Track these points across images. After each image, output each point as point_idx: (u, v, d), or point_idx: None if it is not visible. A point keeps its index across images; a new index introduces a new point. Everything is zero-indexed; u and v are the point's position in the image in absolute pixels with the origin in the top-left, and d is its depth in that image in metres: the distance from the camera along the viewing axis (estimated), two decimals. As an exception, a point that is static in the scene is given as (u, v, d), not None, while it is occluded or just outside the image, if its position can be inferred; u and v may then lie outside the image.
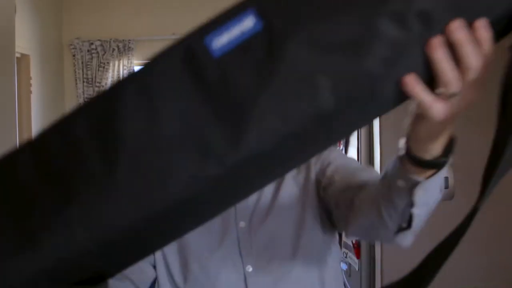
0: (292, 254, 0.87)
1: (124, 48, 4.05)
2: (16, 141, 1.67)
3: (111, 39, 4.04)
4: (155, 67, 0.49)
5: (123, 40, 4.05)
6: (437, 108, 0.45)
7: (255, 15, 0.46)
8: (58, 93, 4.11)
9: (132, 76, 0.50)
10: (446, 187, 1.82)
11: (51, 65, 3.99)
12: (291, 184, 0.92)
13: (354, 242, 2.12)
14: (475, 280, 1.98)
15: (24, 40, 3.53)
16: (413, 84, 0.43)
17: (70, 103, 4.16)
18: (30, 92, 3.59)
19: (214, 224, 0.87)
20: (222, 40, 0.47)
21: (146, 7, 4.12)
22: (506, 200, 1.86)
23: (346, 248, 2.20)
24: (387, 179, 0.65)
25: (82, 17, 4.14)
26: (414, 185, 0.60)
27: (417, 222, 0.66)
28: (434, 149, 0.55)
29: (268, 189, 0.91)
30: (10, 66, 1.65)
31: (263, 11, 0.46)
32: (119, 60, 4.06)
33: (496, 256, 1.94)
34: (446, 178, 1.77)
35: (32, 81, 3.61)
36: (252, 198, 0.90)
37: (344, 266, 2.18)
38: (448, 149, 0.56)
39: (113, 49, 4.04)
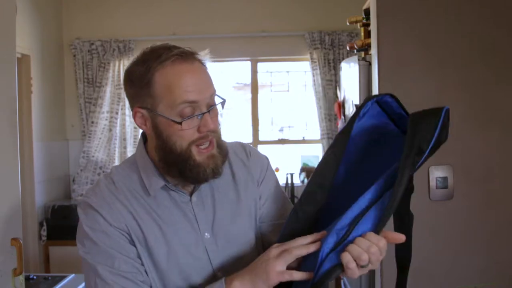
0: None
1: (124, 48, 4.05)
2: (17, 141, 1.67)
3: (111, 39, 4.04)
4: None
5: (123, 40, 4.05)
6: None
7: None
8: (58, 93, 4.12)
9: None
10: (446, 187, 1.82)
11: (51, 65, 3.99)
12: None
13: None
14: (475, 280, 1.98)
15: (25, 40, 3.53)
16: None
17: (71, 103, 4.16)
18: (31, 92, 3.59)
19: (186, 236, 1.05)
20: None
21: (146, 7, 4.13)
22: (506, 199, 1.87)
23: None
24: None
25: (82, 17, 4.14)
26: None
27: None
28: None
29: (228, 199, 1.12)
30: (11, 66, 1.65)
31: None
32: (119, 60, 4.06)
33: (496, 256, 1.94)
34: (446, 178, 1.78)
35: (32, 81, 3.62)
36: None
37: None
38: None
39: (114, 49, 4.04)
